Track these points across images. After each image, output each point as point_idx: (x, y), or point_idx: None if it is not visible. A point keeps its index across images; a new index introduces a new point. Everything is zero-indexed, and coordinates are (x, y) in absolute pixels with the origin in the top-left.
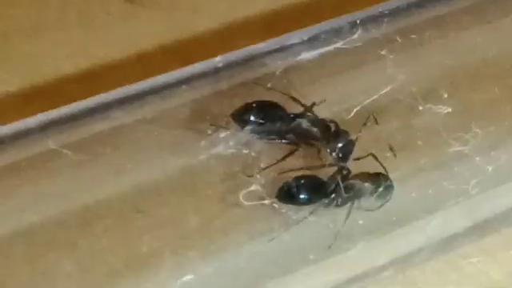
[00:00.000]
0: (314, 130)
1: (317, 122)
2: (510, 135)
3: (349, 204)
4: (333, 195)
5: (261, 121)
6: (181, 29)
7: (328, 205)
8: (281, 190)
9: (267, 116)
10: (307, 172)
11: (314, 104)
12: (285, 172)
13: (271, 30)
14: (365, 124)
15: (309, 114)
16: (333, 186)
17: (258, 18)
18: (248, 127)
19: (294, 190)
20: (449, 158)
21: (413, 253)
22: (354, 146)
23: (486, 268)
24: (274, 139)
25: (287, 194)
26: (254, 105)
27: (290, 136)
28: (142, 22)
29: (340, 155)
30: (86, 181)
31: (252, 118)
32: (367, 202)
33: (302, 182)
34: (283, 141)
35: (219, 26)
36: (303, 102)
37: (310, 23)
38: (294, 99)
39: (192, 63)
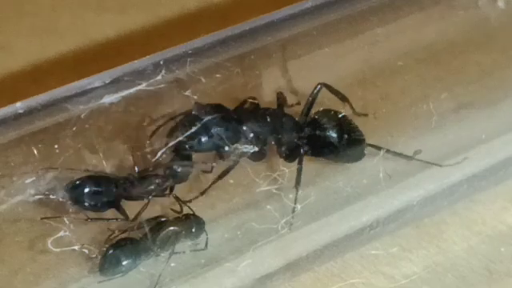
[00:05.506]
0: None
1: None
2: (318, 174)
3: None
4: (151, 252)
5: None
6: None
7: (149, 258)
8: (101, 264)
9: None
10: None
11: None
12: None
13: (82, 69)
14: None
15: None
16: (148, 242)
17: (70, 57)
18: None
19: (115, 260)
20: (258, 198)
21: None
22: (193, 166)
23: None
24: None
25: (110, 266)
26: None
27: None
28: None
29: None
30: None
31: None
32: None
33: (121, 249)
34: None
35: (30, 66)
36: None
37: (123, 61)
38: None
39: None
